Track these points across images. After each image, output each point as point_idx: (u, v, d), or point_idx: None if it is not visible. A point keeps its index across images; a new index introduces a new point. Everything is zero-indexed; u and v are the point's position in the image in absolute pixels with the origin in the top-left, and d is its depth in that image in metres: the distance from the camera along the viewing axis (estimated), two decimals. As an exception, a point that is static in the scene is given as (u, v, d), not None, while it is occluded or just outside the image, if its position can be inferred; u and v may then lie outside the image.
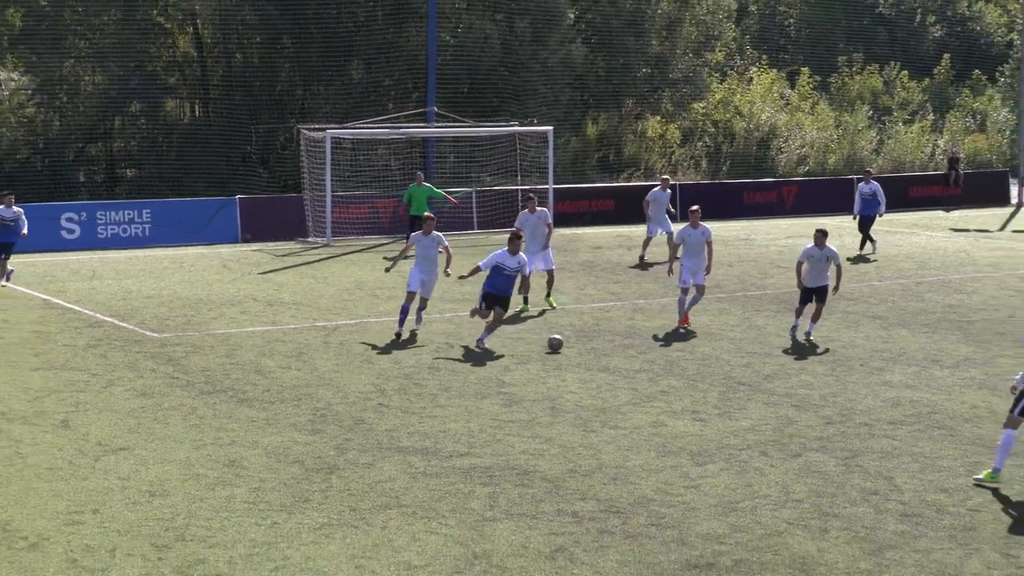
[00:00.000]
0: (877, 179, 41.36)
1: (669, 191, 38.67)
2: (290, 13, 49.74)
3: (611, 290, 32.80)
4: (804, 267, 26.48)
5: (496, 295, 25.61)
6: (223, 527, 15.28)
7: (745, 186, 52.19)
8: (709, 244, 27.90)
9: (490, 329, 25.63)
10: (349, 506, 16.06)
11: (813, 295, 26.43)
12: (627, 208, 46.65)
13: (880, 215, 39.23)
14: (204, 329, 27.28)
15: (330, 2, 50.50)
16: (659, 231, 37.66)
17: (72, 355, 24.70)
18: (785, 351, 25.36)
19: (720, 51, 63.90)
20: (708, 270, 28.10)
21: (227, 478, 17.06)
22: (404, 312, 26.42)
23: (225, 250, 40.47)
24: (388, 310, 29.59)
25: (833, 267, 26.18)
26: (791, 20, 72.08)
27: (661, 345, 25.86)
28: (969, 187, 54.27)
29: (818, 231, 26.14)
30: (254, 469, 17.46)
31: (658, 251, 37.70)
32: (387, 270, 28.20)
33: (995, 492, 16.72)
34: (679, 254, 27.79)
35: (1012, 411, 17.23)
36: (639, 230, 39.19)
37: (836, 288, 26.53)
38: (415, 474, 17.33)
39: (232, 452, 18.24)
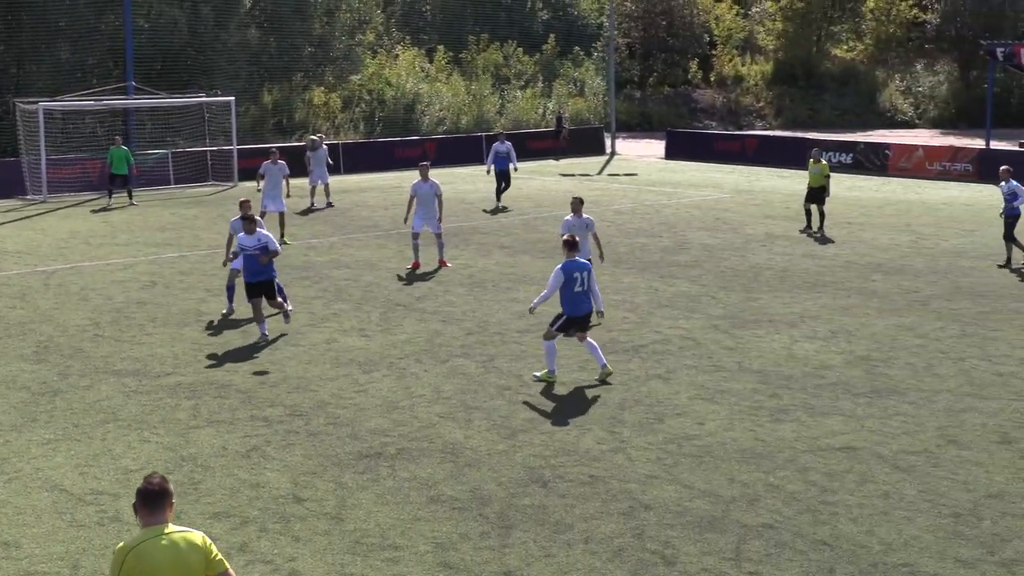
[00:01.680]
0: (509, 138, 41.49)
1: (324, 146, 38.39)
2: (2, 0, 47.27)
3: (290, 231, 32.41)
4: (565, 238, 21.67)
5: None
6: (-39, 447, 14.55)
7: (396, 143, 52.11)
8: (438, 196, 26.19)
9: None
10: (72, 423, 15.49)
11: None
12: (300, 165, 46.12)
13: (515, 169, 38.85)
14: (-63, 277, 25.83)
15: (37, -8, 48.17)
16: (319, 182, 37.54)
17: None
18: (429, 276, 25.51)
19: (371, 33, 63.56)
20: (440, 219, 26.39)
21: (-37, 404, 16.23)
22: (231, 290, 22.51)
23: (-47, 208, 38.36)
24: (100, 255, 28.56)
25: (591, 236, 21.27)
26: (428, 7, 72.14)
27: (331, 275, 25.69)
28: (573, 140, 55.50)
29: (575, 199, 21.44)
30: (-13, 396, 16.66)
31: (320, 199, 37.49)
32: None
33: (605, 383, 17.22)
34: (414, 205, 26.38)
35: (551, 327, 17.20)
36: (306, 182, 38.66)
37: (601, 256, 21.88)
38: (129, 392, 16.83)
39: (-34, 382, 17.36)
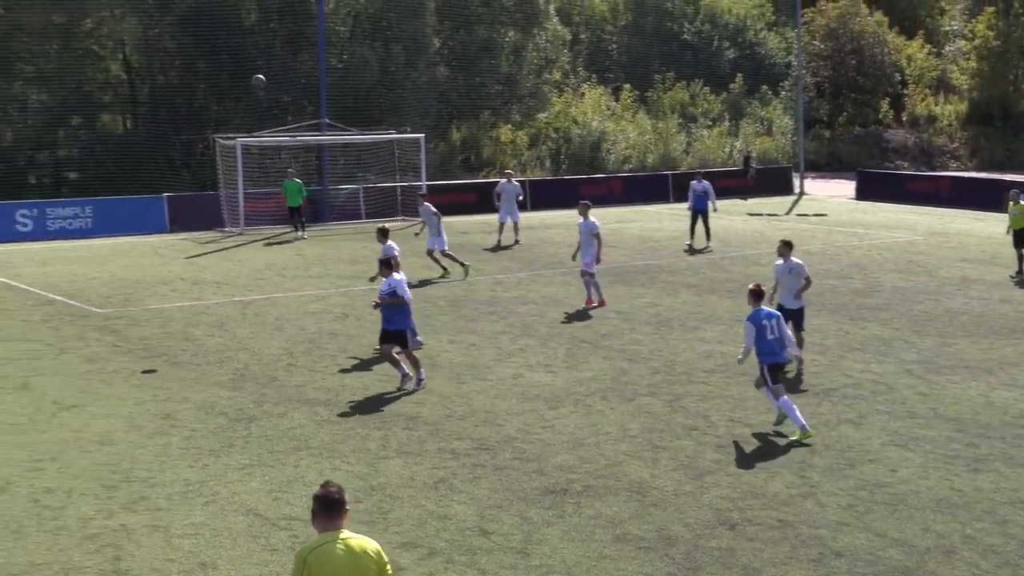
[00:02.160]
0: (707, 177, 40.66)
1: (515, 182, 38.63)
2: (204, 42, 48.90)
3: (476, 267, 32.74)
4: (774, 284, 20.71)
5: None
6: (161, 469, 15.02)
7: (581, 180, 52.29)
8: (596, 236, 25.80)
9: None
10: (267, 449, 15.87)
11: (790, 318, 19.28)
12: (486, 200, 46.58)
13: (714, 210, 37.67)
14: (141, 305, 26.77)
15: (237, 32, 49.75)
16: (508, 218, 37.74)
17: (29, 328, 24.10)
18: (618, 314, 25.47)
19: (557, 71, 64.05)
20: (597, 258, 25.86)
21: (164, 428, 16.77)
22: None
23: (156, 239, 39.71)
24: (294, 287, 29.28)
25: (802, 281, 20.24)
26: (614, 46, 72.41)
27: (518, 311, 25.85)
28: (760, 180, 54.95)
29: (782, 243, 20.62)
30: (186, 420, 17.18)
31: (509, 236, 37.80)
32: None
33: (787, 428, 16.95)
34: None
35: (771, 383, 16.29)
36: (495, 218, 39.09)
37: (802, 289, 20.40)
38: (320, 421, 17.17)
39: (167, 407, 17.93)
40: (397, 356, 18.90)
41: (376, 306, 19.25)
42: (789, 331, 17.23)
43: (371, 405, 18.08)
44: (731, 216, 46.24)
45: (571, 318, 25.05)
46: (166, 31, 49.81)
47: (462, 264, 30.77)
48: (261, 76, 26.92)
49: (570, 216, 45.84)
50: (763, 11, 76.24)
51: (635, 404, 18.15)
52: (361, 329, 23.87)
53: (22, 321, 24.91)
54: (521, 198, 38.38)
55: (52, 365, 20.85)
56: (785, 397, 16.38)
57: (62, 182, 48.42)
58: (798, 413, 16.20)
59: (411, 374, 19.10)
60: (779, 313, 17.12)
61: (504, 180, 38.63)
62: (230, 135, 43.18)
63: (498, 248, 36.70)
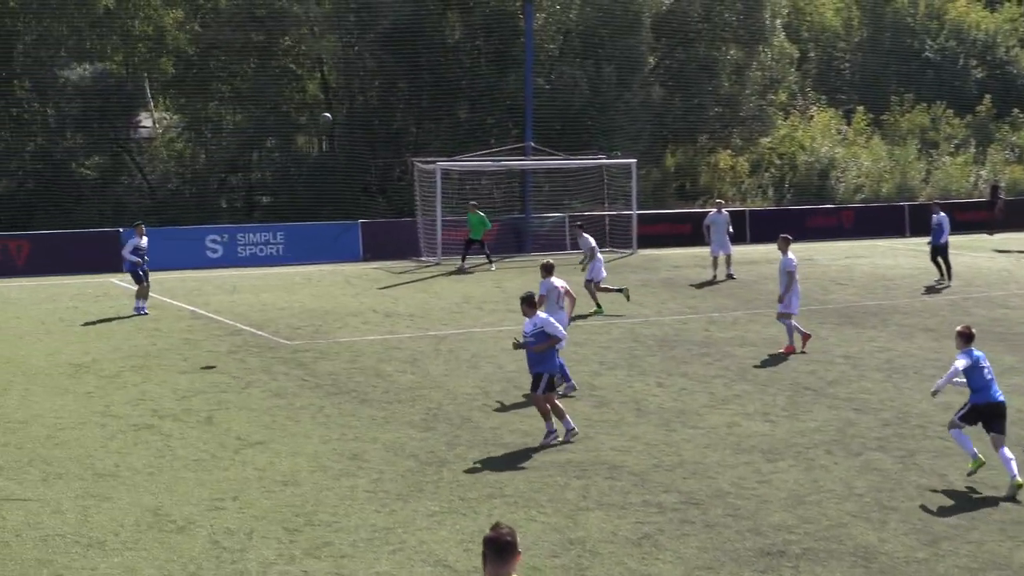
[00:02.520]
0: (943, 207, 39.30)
1: (726, 212, 38.14)
2: (405, 60, 49.82)
3: (689, 304, 32.49)
4: None
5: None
6: (347, 513, 15.18)
7: (808, 211, 51.61)
8: (790, 273, 25.67)
9: None
10: (458, 496, 15.91)
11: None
12: (702, 232, 46.32)
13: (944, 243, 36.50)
14: (330, 337, 27.29)
15: (439, 51, 50.58)
16: (720, 252, 37.33)
17: (215, 360, 24.76)
18: (846, 359, 24.92)
19: (783, 92, 63.32)
20: (780, 298, 25.83)
21: (350, 470, 16.97)
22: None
23: (348, 268, 40.55)
24: (492, 321, 29.48)
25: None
26: (847, 64, 71.24)
27: (734, 353, 25.51)
28: (1010, 212, 53.31)
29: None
30: (374, 462, 17.36)
31: (722, 271, 37.42)
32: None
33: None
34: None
35: (956, 416, 16.67)
36: (708, 251, 38.74)
37: None
38: (517, 467, 17.15)
39: (355, 447, 18.16)
40: (548, 405, 18.42)
41: (517, 346, 18.99)
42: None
43: (571, 451, 17.99)
44: (975, 253, 44.94)
45: (792, 362, 24.59)
46: (366, 49, 50.97)
47: (619, 290, 30.67)
48: (328, 115, 30.20)
49: (794, 250, 45.22)
50: (1016, 26, 74.02)
51: (862, 459, 17.66)
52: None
53: (208, 352, 25.62)
54: (731, 231, 37.92)
55: (237, 399, 21.36)
56: (958, 431, 16.65)
57: (254, 206, 49.91)
58: (971, 444, 16.57)
59: (557, 429, 18.61)
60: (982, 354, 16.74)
61: (714, 210, 38.29)
62: (429, 159, 43.88)
63: (712, 283, 36.34)
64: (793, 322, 25.85)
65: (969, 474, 16.58)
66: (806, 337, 25.80)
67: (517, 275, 38.59)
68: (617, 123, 52.63)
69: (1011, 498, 15.92)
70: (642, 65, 55.25)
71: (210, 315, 30.48)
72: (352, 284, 36.33)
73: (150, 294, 31.02)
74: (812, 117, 63.43)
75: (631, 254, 44.24)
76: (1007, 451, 16.32)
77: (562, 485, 16.42)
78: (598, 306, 30.51)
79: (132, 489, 16.04)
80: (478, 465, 17.26)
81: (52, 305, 32.43)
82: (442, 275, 38.52)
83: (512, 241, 44.98)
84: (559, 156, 46.20)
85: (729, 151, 58.55)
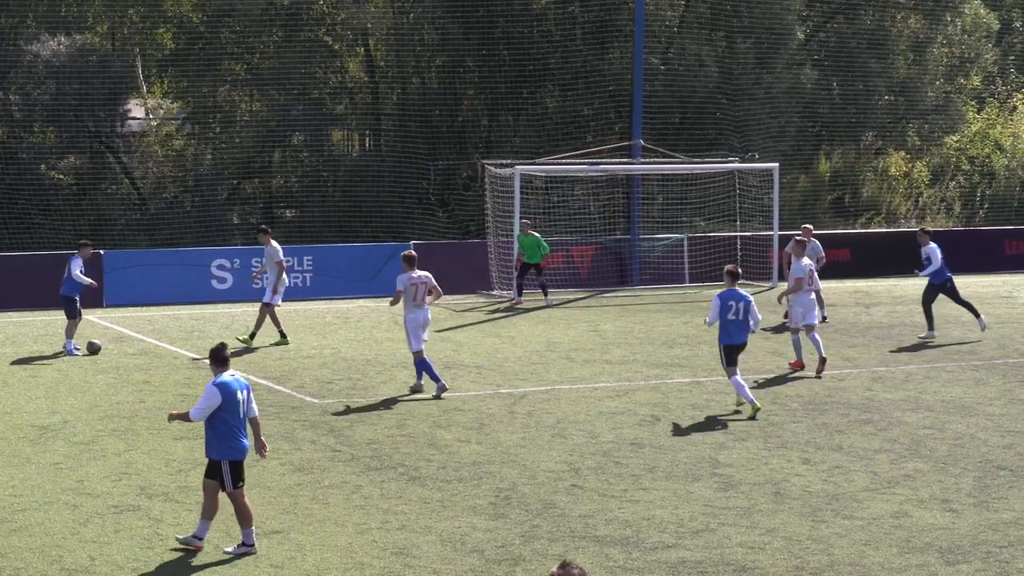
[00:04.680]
0: None
1: (816, 242, 37.39)
2: (476, 32, 50.08)
3: (845, 355, 32.36)
4: None
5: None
6: (389, 626, 15.28)
7: (1007, 234, 51.27)
8: (798, 279, 30.00)
9: None
10: (536, 605, 15.98)
11: None
12: (866, 259, 46.14)
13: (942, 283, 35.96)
14: (371, 395, 27.46)
15: (522, 20, 50.78)
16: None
17: (221, 423, 24.99)
18: (1055, 430, 24.76)
19: (977, 75, 63.00)
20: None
21: (395, 568, 17.07)
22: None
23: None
24: (585, 376, 29.56)
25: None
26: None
27: (905, 421, 25.38)
28: None
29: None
30: (427, 559, 17.45)
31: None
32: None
33: None
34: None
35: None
36: (880, 285, 38.62)
37: None
38: (614, 568, 17.18)
39: (401, 538, 18.26)
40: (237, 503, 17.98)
41: (171, 418, 18.66)
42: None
43: (687, 548, 17.99)
44: None
45: (982, 434, 24.44)
46: (424, 16, 51.30)
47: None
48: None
49: (988, 284, 45.02)
50: None
51: (1076, 564, 17.53)
52: (678, 440, 23.87)
53: (213, 412, 25.87)
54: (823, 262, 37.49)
55: (248, 474, 21.48)
56: (736, 379, 24.67)
57: (274, 222, 50.33)
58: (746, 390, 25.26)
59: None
60: (750, 297, 25.72)
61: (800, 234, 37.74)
62: (506, 161, 43.98)
63: (884, 327, 36.20)
64: (800, 336, 30.24)
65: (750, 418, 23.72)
66: (821, 362, 29.78)
67: (618, 314, 38.63)
68: (755, 116, 52.64)
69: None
70: (789, 40, 55.18)
71: (216, 364, 30.75)
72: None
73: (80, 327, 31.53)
74: (1015, 108, 63.06)
75: (770, 288, 44.15)
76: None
77: (673, 592, 16.44)
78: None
79: (110, 589, 16.22)
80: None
81: (11, 349, 32.90)
82: (518, 314, 38.65)
83: (613, 270, 45.07)
84: (677, 159, 46.27)
85: (903, 153, 58.35)
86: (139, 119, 52.75)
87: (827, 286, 43.17)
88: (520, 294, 40.57)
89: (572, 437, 23.99)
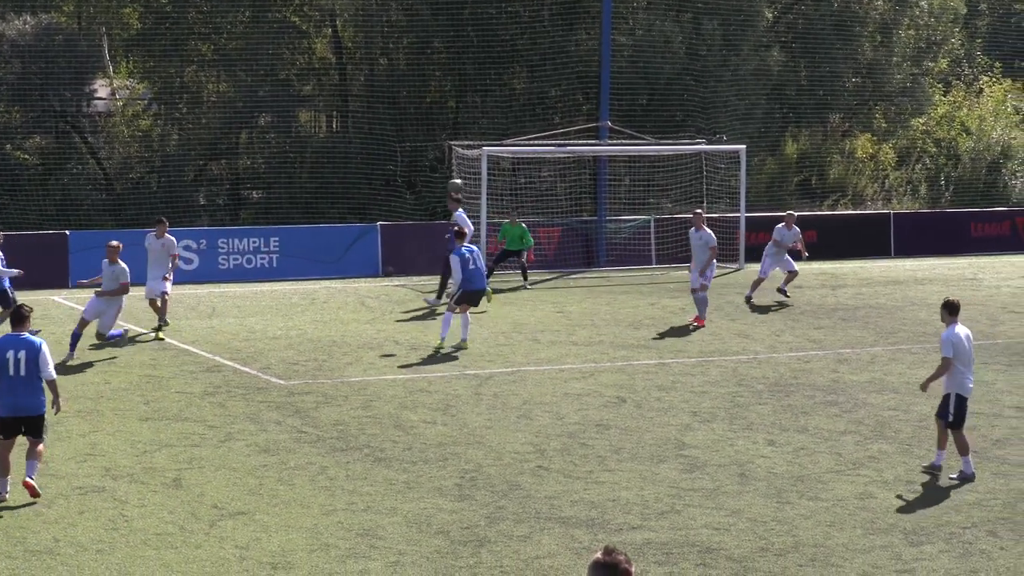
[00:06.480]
0: None
1: (796, 228, 37.80)
2: (444, 13, 50.04)
3: (812, 337, 32.45)
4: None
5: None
6: (354, 607, 15.27)
7: (972, 216, 51.42)
8: (712, 248, 33.77)
9: None
10: (501, 586, 15.98)
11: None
12: (832, 241, 46.21)
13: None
14: (337, 376, 27.45)
15: (490, 1, 50.71)
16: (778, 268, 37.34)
17: (186, 404, 24.96)
18: (1019, 411, 24.83)
19: (944, 58, 63.11)
20: (701, 271, 33.56)
21: (360, 550, 17.07)
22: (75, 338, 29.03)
23: (364, 285, 40.75)
24: (551, 357, 29.57)
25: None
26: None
27: (869, 402, 25.46)
28: None
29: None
30: (392, 540, 17.45)
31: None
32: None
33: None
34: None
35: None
36: (846, 266, 38.71)
37: None
38: (579, 550, 17.19)
39: (367, 520, 18.26)
40: None
41: None
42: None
43: (652, 530, 18.02)
44: None
45: (949, 415, 24.52)
46: (393, -3, 51.27)
47: None
48: (458, 181, 36.45)
49: (953, 266, 45.17)
50: None
51: (1038, 544, 17.62)
52: (643, 420, 23.90)
53: (178, 393, 25.84)
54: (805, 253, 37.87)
55: (214, 455, 21.54)
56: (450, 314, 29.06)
57: (241, 203, 50.27)
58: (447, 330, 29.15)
59: None
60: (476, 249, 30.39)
61: (782, 224, 37.96)
62: (473, 142, 43.96)
63: (850, 308, 36.31)
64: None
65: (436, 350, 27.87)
66: (699, 321, 33.50)
67: (585, 296, 38.66)
68: (721, 97, 52.68)
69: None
70: (757, 20, 55.21)
71: (181, 345, 30.72)
72: (368, 306, 36.53)
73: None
74: (981, 91, 63.19)
75: (737, 270, 44.22)
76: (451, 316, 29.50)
77: (639, 573, 16.45)
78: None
79: (75, 571, 16.19)
80: (528, 546, 17.31)
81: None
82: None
83: (580, 252, 45.08)
84: (644, 140, 46.28)
85: (870, 135, 58.45)
86: (105, 99, 52.54)
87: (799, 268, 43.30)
88: (489, 276, 40.52)
89: (538, 418, 24.00)
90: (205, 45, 51.24)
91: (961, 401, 20.57)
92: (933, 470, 20.81)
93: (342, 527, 17.94)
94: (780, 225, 38.00)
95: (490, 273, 40.27)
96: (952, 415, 20.59)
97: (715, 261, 34.30)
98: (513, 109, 50.57)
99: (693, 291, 33.87)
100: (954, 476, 20.52)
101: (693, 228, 34.27)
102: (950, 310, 20.87)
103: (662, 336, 32.39)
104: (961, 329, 20.76)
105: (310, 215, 46.44)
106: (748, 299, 37.45)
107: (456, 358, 29.37)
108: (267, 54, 50.43)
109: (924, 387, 21.23)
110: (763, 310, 36.40)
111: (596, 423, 23.71)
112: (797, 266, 38.01)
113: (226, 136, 51.13)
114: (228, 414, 24.19)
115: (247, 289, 39.50)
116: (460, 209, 36.45)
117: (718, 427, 23.50)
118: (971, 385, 20.82)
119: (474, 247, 30.98)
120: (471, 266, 30.19)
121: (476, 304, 31.13)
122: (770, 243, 37.68)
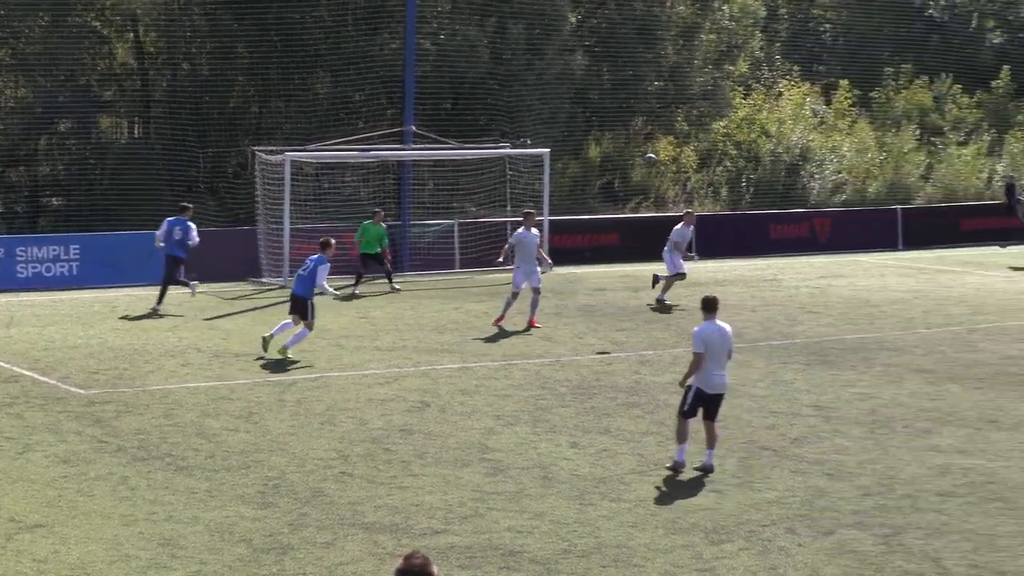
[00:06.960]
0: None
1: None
2: (247, 18, 49.66)
3: (614, 339, 32.72)
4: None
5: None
6: (154, 618, 15.15)
7: (772, 218, 52.17)
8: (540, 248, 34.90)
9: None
10: (303, 593, 15.94)
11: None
12: (634, 243, 46.59)
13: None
14: (139, 384, 27.16)
15: (293, 6, 50.46)
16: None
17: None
18: (816, 410, 25.24)
19: (744, 61, 63.93)
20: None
21: (162, 560, 16.93)
22: None
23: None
24: (355, 363, 29.51)
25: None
26: (828, 26, 72.20)
27: (671, 404, 25.71)
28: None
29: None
30: (193, 549, 17.33)
31: (683, 292, 37.77)
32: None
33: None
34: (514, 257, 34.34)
35: None
36: (648, 269, 39.11)
37: None
38: (383, 555, 17.19)
39: (168, 529, 18.11)
40: None
41: None
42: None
43: (455, 534, 18.06)
44: (986, 271, 45.68)
45: (746, 415, 24.86)
46: (195, 1, 50.81)
47: None
48: (652, 155, 37.50)
49: (753, 268, 45.78)
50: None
51: (835, 539, 17.92)
52: (446, 425, 23.95)
53: (-25, 404, 25.42)
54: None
55: (11, 467, 21.21)
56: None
57: (40, 211, 49.49)
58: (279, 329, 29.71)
59: None
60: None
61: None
62: (276, 148, 43.73)
63: (663, 310, 36.65)
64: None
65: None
66: (501, 319, 33.99)
67: (388, 301, 38.64)
68: (526, 101, 52.85)
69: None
70: (561, 25, 55.46)
71: (-21, 355, 30.24)
72: (169, 314, 36.18)
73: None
74: (781, 94, 64.08)
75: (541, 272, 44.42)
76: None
77: (441, 578, 16.48)
78: None
79: None
80: (331, 552, 17.28)
81: None
82: (288, 302, 38.37)
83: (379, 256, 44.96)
84: (448, 144, 46.30)
85: (672, 138, 59.01)
86: None
87: (595, 270, 43.68)
88: (359, 283, 40.34)
89: (341, 424, 23.97)
90: (2, 50, 50.42)
91: (699, 395, 21.01)
92: (677, 467, 21.14)
93: (143, 537, 17.77)
94: (679, 225, 38.32)
95: (358, 280, 40.14)
96: (688, 405, 21.08)
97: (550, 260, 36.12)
98: (317, 114, 50.35)
99: (530, 291, 34.08)
100: (697, 467, 21.03)
101: (523, 228, 34.33)
102: (705, 306, 21.54)
103: (465, 340, 32.46)
104: (716, 325, 21.29)
105: (111, 222, 45.82)
106: (660, 300, 37.70)
107: (260, 365, 29.20)
108: (67, 59, 49.72)
109: (682, 384, 21.52)
110: (567, 313, 36.58)
111: (400, 428, 23.72)
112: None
113: (24, 142, 50.38)
114: (26, 425, 23.83)
115: (47, 297, 38.90)
116: None
117: (521, 430, 23.63)
118: (719, 381, 21.20)
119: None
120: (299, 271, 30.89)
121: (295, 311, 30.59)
122: (668, 243, 37.90)
